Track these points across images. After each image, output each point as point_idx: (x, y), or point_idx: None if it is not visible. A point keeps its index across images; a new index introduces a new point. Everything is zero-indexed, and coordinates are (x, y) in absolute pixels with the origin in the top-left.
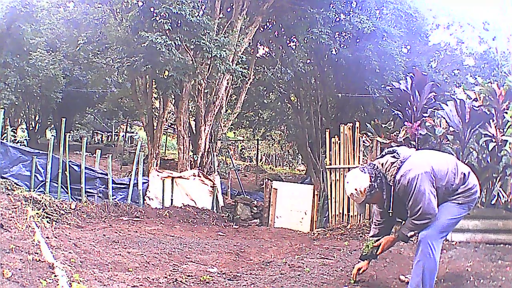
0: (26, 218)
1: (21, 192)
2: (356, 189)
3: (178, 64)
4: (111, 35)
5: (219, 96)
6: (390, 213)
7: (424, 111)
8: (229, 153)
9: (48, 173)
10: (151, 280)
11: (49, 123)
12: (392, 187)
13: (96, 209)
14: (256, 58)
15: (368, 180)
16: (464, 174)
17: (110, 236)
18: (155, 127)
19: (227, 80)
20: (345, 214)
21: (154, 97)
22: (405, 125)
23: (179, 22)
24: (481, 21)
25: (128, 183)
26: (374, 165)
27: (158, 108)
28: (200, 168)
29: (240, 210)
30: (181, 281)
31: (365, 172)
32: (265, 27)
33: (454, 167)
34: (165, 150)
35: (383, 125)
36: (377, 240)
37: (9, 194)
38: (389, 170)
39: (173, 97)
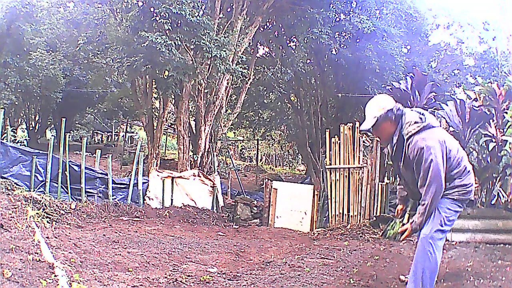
0: (26, 218)
1: (21, 192)
2: (378, 102)
3: (178, 64)
4: (111, 35)
5: (219, 96)
6: (390, 164)
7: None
8: (229, 153)
9: (48, 173)
10: (151, 280)
11: (49, 123)
12: (405, 142)
13: (96, 209)
14: (256, 58)
15: (393, 105)
16: (466, 167)
17: (110, 236)
18: (155, 127)
19: (227, 80)
20: (345, 214)
21: (154, 97)
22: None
23: (179, 22)
24: (481, 21)
25: (128, 183)
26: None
27: (158, 108)
28: (200, 168)
29: (240, 210)
30: (181, 281)
31: (392, 99)
32: (265, 27)
33: (461, 156)
34: (165, 150)
35: None
36: (403, 225)
37: (9, 194)
38: (410, 125)
39: (173, 97)
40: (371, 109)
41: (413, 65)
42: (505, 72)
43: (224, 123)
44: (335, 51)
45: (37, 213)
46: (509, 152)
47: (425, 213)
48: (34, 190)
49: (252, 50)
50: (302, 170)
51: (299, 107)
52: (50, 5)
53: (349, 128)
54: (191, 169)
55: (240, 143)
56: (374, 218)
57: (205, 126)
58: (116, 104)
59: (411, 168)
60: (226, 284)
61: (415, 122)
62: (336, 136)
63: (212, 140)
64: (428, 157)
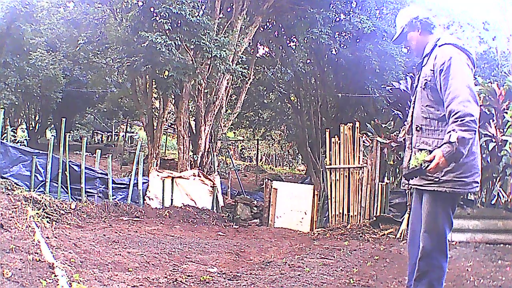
0: (26, 218)
1: (21, 192)
2: (403, 12)
3: (178, 64)
4: (111, 35)
5: (219, 96)
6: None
7: None
8: (229, 153)
9: (48, 173)
10: (151, 280)
11: (49, 123)
12: (435, 48)
13: (96, 209)
14: (256, 58)
15: (418, 13)
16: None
17: (110, 236)
18: (155, 127)
19: (227, 80)
20: (345, 214)
21: (154, 97)
22: (405, 125)
23: (179, 22)
24: (481, 21)
25: (128, 183)
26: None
27: (158, 108)
28: (200, 168)
29: (240, 210)
30: (181, 281)
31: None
32: (265, 27)
33: None
34: (165, 150)
35: (383, 125)
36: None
37: (9, 194)
38: (447, 37)
39: (173, 97)
40: (398, 20)
41: (413, 65)
42: (505, 72)
43: (224, 123)
44: (335, 51)
45: (37, 213)
46: (509, 152)
47: (462, 126)
48: (34, 190)
49: (252, 50)
50: (302, 170)
51: (299, 107)
52: (50, 5)
53: (349, 128)
54: (191, 169)
55: (240, 143)
56: (374, 218)
57: (205, 126)
58: (116, 104)
59: (439, 85)
60: (226, 284)
61: (453, 38)
62: (336, 136)
63: (212, 140)
64: (459, 65)
